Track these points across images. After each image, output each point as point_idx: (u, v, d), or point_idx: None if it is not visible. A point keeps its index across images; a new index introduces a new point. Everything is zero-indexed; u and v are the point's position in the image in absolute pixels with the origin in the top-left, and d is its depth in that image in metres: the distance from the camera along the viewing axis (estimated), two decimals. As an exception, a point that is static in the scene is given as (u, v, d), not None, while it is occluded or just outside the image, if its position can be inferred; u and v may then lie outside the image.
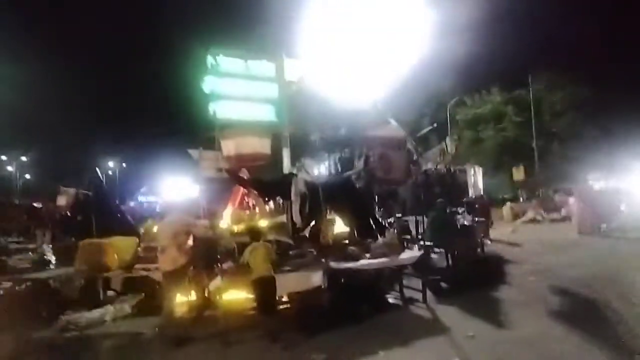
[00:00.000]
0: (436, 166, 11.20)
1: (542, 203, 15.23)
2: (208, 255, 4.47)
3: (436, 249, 6.35)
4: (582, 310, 4.47)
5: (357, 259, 4.83)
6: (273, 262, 4.06)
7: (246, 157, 7.05)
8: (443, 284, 5.81)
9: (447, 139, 23.68)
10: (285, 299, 4.92)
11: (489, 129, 24.80)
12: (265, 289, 3.87)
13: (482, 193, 10.62)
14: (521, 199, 19.55)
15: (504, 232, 11.09)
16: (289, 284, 4.41)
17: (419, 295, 5.05)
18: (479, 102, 25.66)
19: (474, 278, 5.90)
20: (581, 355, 3.33)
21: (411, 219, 6.92)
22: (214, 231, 4.91)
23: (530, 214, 13.84)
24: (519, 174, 19.46)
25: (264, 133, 7.40)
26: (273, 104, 7.78)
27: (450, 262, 6.38)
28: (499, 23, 23.80)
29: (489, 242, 9.31)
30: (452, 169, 11.72)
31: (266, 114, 7.74)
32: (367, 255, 4.99)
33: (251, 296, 4.19)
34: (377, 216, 6.70)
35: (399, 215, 7.76)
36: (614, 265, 6.48)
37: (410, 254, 5.19)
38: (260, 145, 7.22)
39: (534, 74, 21.94)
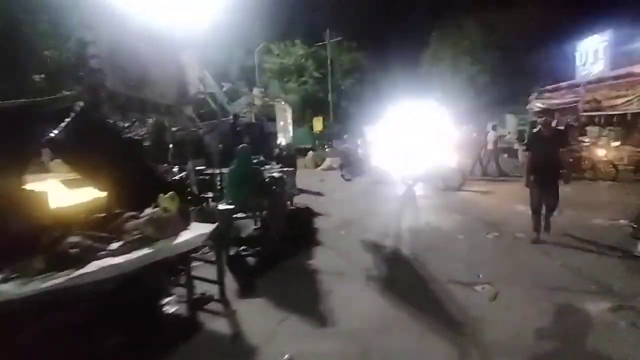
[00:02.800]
0: (243, 114, 9.97)
1: (335, 152, 16.59)
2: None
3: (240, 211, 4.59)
4: (399, 270, 3.90)
5: (80, 262, 2.27)
6: None
7: None
8: (250, 259, 4.18)
9: (255, 89, 22.04)
10: None
11: (293, 81, 25.16)
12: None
13: (291, 141, 9.75)
14: (319, 149, 21.08)
15: (311, 181, 10.93)
16: None
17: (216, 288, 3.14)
18: (284, 53, 25.36)
19: (286, 243, 4.57)
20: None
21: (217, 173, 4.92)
22: None
23: (327, 162, 14.66)
24: (318, 124, 20.66)
25: None
26: None
27: (258, 225, 4.84)
28: None
29: (297, 192, 8.57)
30: (261, 118, 10.73)
31: None
32: (113, 247, 2.53)
33: None
34: (155, 169, 4.12)
35: (202, 167, 5.59)
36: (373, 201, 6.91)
37: (198, 231, 3.07)
38: None
39: (330, 34, 23.12)
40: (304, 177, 12.13)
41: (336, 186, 10.06)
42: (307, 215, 6.36)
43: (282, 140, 5.34)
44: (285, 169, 6.93)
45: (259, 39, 24.03)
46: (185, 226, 3.11)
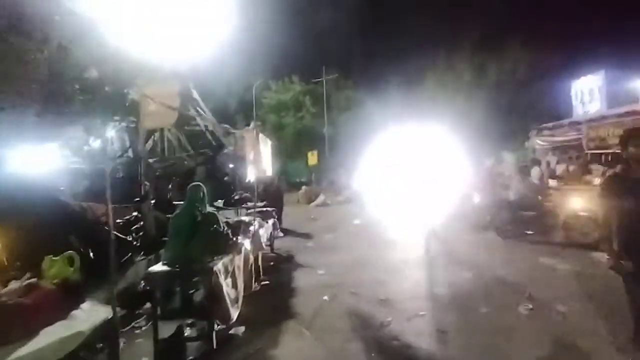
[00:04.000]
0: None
1: (331, 187, 15.65)
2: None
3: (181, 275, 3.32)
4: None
5: None
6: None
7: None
8: (192, 345, 2.95)
9: (252, 123, 21.57)
10: None
11: (290, 115, 24.95)
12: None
13: (272, 174, 8.74)
14: (314, 184, 20.17)
15: (301, 220, 9.80)
16: None
17: None
18: (282, 89, 25.45)
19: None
20: None
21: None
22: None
23: (321, 198, 13.61)
24: (313, 158, 19.90)
25: None
26: None
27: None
28: (309, 16, 24.11)
29: (280, 234, 7.42)
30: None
31: None
32: None
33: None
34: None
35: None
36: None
37: (80, 324, 1.90)
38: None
39: (327, 71, 23.27)
40: (295, 214, 11.03)
41: (329, 225, 8.90)
42: (284, 271, 5.16)
43: (250, 176, 4.24)
44: (263, 209, 5.86)
45: (257, 75, 24.20)
46: (66, 310, 1.97)
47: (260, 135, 4.55)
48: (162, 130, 12.99)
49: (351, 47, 25.85)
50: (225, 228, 3.37)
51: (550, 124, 13.31)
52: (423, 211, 10.17)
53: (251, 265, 4.09)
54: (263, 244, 4.64)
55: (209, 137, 14.37)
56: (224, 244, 3.25)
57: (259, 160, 4.04)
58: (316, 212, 11.88)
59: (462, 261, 5.20)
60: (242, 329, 3.22)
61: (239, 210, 6.84)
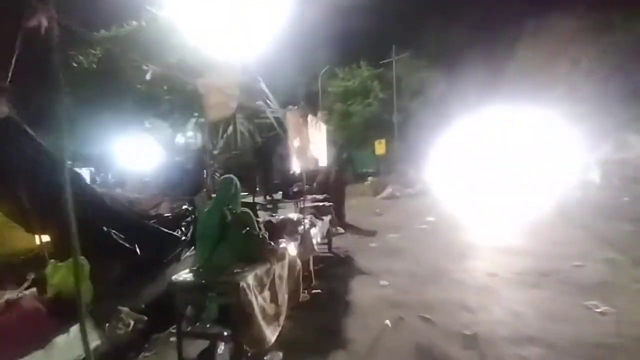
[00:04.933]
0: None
1: (400, 178, 14.29)
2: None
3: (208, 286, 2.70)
4: None
5: None
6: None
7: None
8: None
9: (319, 112, 21.26)
10: None
11: (357, 103, 23.84)
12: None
13: (332, 165, 8.00)
14: (382, 175, 18.90)
15: (366, 214, 8.93)
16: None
17: None
18: (349, 76, 24.39)
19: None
20: None
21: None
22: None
23: (389, 190, 12.43)
24: (381, 148, 18.59)
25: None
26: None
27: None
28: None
29: (341, 230, 6.71)
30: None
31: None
32: None
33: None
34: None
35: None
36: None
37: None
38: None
39: (397, 51, 21.34)
40: (360, 207, 10.19)
41: (397, 222, 7.82)
42: (337, 282, 4.38)
43: (295, 167, 3.51)
44: (320, 204, 5.17)
45: (324, 62, 23.66)
46: (49, 335, 1.55)
47: (311, 117, 3.81)
48: (234, 123, 13.50)
49: (423, 21, 23.13)
50: (263, 231, 2.75)
51: None
52: (516, 208, 8.29)
53: (299, 271, 3.44)
54: (315, 246, 3.95)
55: (277, 128, 14.39)
56: (258, 251, 2.63)
57: (306, 148, 3.32)
58: (383, 205, 10.80)
59: (591, 281, 3.69)
60: (279, 355, 2.59)
61: (297, 204, 6.35)
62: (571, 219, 6.88)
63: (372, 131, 22.73)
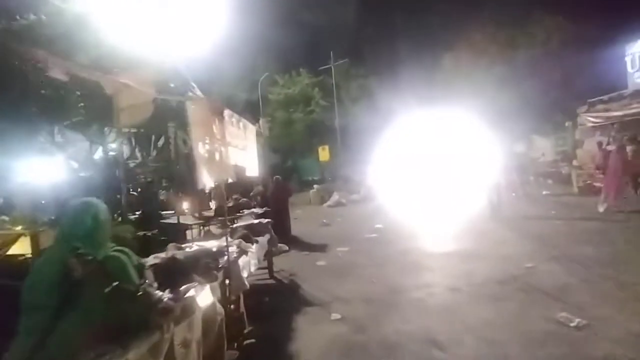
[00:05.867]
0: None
1: (345, 184, 13.95)
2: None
3: None
4: None
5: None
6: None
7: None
8: None
9: (261, 119, 19.94)
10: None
11: (299, 110, 23.34)
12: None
13: (268, 174, 7.18)
14: (327, 181, 18.49)
15: (312, 225, 8.16)
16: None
17: None
18: (290, 83, 23.83)
19: None
20: None
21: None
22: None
23: (335, 197, 11.91)
24: (324, 154, 18.19)
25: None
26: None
27: None
28: (313, 3, 22.26)
29: (285, 248, 5.84)
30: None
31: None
32: None
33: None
34: None
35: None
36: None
37: None
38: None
39: (336, 58, 21.43)
40: (306, 218, 9.43)
41: (345, 232, 7.19)
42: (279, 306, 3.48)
43: (204, 180, 2.52)
44: (254, 222, 4.24)
45: (263, 70, 22.72)
46: None
47: (230, 114, 2.89)
48: (166, 132, 11.73)
49: (360, 31, 23.74)
50: (146, 282, 1.75)
51: (605, 97, 11.04)
52: (452, 208, 8.36)
53: (221, 321, 2.45)
54: (246, 280, 3.01)
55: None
56: (139, 315, 1.63)
57: (221, 153, 2.38)
58: (329, 214, 10.19)
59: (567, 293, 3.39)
60: None
61: (226, 224, 5.21)
62: (502, 219, 6.99)
63: (316, 138, 22.35)
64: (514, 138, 17.38)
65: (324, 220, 8.43)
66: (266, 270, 4.45)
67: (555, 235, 5.46)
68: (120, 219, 5.14)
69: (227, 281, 2.72)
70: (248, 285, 3.00)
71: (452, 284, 3.73)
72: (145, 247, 4.37)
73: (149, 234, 4.96)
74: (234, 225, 4.10)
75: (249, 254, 3.38)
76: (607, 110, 10.45)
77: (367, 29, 23.25)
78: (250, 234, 3.76)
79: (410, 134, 15.16)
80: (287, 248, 5.86)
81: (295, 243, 6.31)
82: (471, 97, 18.84)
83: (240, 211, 6.18)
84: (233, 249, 3.03)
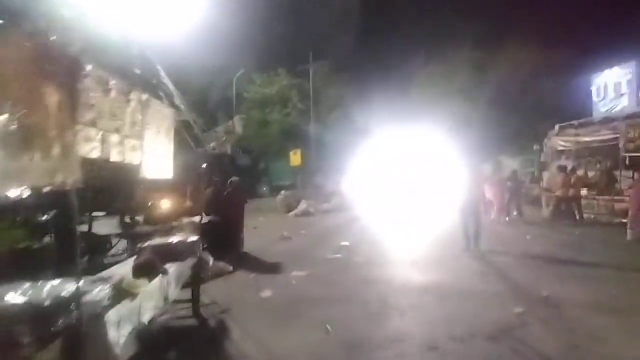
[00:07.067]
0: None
1: (316, 191, 12.96)
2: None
3: None
4: None
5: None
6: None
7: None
8: None
9: (236, 117, 18.45)
10: None
11: (276, 112, 22.18)
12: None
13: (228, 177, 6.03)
14: (299, 188, 17.40)
15: (273, 238, 7.04)
16: None
17: None
18: (267, 83, 22.64)
19: None
20: None
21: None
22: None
23: (303, 206, 10.86)
24: (296, 158, 17.15)
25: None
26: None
27: None
28: (297, 7, 21.31)
29: (229, 268, 4.74)
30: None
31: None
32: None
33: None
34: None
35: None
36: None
37: None
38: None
39: (316, 61, 20.62)
40: (267, 228, 8.29)
41: (307, 249, 6.14)
42: None
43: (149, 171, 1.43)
44: (165, 243, 3.07)
45: (240, 67, 21.39)
46: None
47: (106, 76, 1.79)
48: None
49: (342, 42, 23.13)
50: None
51: (575, 122, 10.98)
52: (427, 229, 7.62)
53: None
54: (116, 348, 1.88)
55: (185, 133, 11.53)
56: None
57: (65, 140, 1.28)
58: (294, 224, 9.11)
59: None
60: None
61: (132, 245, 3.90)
62: (476, 253, 6.21)
63: (291, 142, 21.25)
64: (483, 158, 17.34)
65: (285, 233, 7.34)
66: (190, 305, 3.31)
67: (538, 268, 4.76)
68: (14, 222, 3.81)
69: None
70: None
71: (429, 338, 2.80)
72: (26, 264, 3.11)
73: (37, 245, 3.66)
74: (143, 245, 2.93)
75: (143, 293, 2.24)
76: (576, 135, 10.33)
77: (349, 39, 22.65)
78: (157, 262, 2.62)
79: (384, 148, 14.60)
80: (230, 268, 4.75)
81: (244, 262, 5.18)
82: (445, 115, 18.73)
83: (178, 219, 4.99)
84: (102, 292, 1.89)
